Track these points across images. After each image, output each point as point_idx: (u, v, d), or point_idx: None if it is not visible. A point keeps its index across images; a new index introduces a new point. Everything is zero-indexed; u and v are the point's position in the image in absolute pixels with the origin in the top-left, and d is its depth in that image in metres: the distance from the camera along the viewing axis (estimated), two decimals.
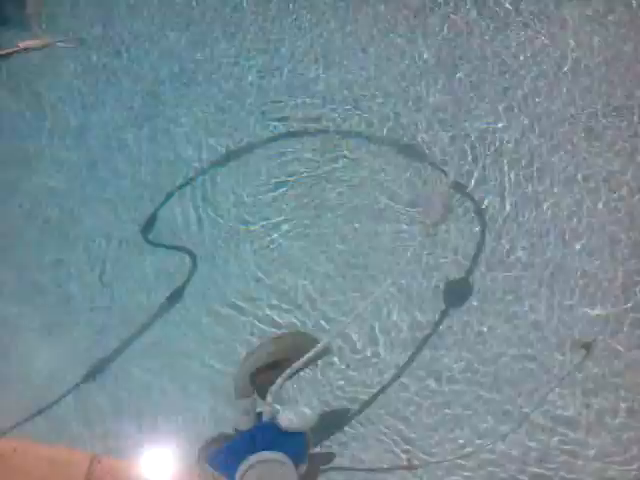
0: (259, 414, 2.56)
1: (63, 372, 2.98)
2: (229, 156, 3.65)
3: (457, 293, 3.26)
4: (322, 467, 2.92)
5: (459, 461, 2.88)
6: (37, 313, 3.24)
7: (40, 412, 2.83)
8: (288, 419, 2.64)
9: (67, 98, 3.88)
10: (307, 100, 3.70)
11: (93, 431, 2.78)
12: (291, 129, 3.65)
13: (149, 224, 3.61)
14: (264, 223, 3.44)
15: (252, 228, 3.43)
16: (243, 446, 2.48)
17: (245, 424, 2.58)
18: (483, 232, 3.28)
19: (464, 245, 3.24)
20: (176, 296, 3.33)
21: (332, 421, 3.13)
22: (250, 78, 3.74)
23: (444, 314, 3.23)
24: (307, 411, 2.73)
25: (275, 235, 3.41)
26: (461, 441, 2.93)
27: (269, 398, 2.56)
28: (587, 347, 2.96)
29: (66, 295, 3.27)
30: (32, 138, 3.78)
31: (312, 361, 2.74)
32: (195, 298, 3.26)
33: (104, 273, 3.36)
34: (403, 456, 2.87)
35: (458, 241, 3.25)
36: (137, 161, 3.73)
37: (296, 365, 2.60)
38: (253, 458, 2.34)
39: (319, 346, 2.73)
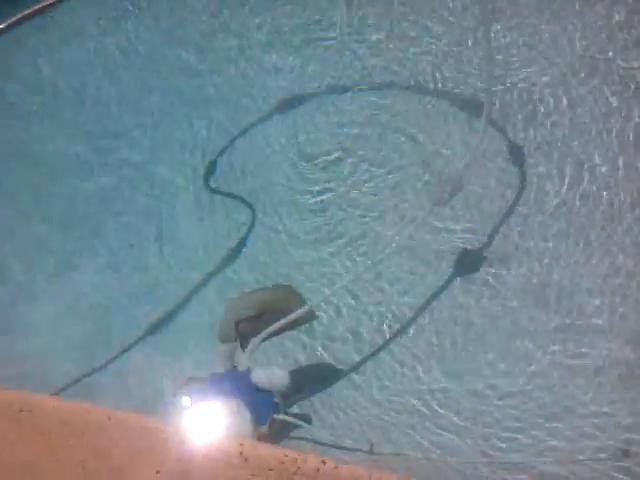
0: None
1: None
2: None
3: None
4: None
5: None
6: None
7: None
8: (260, 376, 2.64)
9: None
10: None
11: None
12: None
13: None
14: None
15: None
16: (213, 386, 2.70)
17: (222, 367, 2.67)
18: None
19: None
20: None
21: (305, 387, 3.08)
22: None
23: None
24: (279, 373, 2.73)
25: None
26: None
27: (248, 349, 2.56)
28: None
29: None
30: None
31: (297, 323, 2.70)
32: None
33: None
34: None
35: None
36: None
37: (279, 324, 2.58)
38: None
39: (305, 308, 2.68)
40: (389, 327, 3.18)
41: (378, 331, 3.21)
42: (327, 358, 3.15)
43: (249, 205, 3.71)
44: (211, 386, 2.75)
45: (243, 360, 2.77)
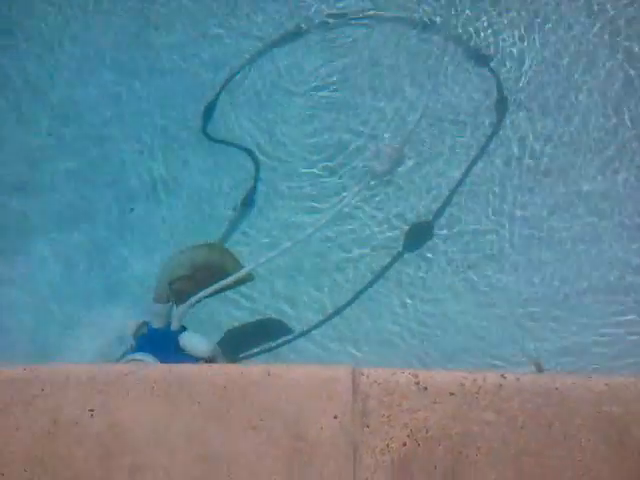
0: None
1: None
2: None
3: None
4: None
5: None
6: None
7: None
8: (187, 341, 2.76)
9: None
10: None
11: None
12: None
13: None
14: None
15: None
16: (143, 342, 2.87)
17: (156, 324, 2.71)
18: None
19: None
20: None
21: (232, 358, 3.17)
22: None
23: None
24: (205, 343, 2.89)
25: None
26: None
27: (178, 311, 2.65)
28: None
29: None
30: None
31: (232, 286, 2.80)
32: None
33: None
34: None
35: None
36: None
37: (213, 288, 2.66)
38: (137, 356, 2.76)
39: (241, 271, 2.77)
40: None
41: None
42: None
43: None
44: (141, 340, 2.91)
45: (175, 320, 2.86)
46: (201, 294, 2.81)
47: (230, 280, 2.82)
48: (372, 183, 3.13)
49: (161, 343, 2.88)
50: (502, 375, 2.43)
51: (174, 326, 2.86)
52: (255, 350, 3.13)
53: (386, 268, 3.26)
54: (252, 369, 2.55)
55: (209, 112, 3.83)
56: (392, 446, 2.43)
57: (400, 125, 3.42)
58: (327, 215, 3.15)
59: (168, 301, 2.88)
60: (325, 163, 3.56)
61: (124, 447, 2.51)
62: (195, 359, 2.82)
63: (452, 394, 2.42)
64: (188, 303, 2.82)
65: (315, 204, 3.44)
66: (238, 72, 3.85)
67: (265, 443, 2.47)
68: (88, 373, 2.58)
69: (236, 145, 3.72)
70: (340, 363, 2.81)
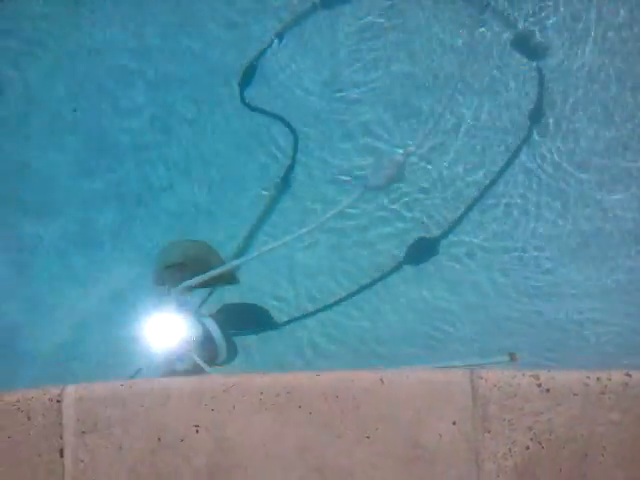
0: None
1: None
2: None
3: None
4: None
5: None
6: None
7: None
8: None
9: None
10: None
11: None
12: None
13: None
14: None
15: None
16: None
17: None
18: None
19: None
20: None
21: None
22: None
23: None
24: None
25: None
26: None
27: (173, 294, 2.99)
28: None
29: None
30: None
31: (219, 280, 3.04)
32: None
33: None
34: None
35: None
36: None
37: (200, 278, 2.94)
38: None
39: (228, 267, 3.01)
40: None
41: None
42: None
43: None
44: None
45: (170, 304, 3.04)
46: (191, 282, 2.97)
47: (217, 272, 3.01)
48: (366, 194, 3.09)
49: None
50: (627, 373, 2.36)
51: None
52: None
53: None
54: (363, 375, 2.45)
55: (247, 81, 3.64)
56: (515, 450, 2.37)
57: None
58: (318, 220, 3.18)
59: (164, 284, 3.02)
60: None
61: (234, 463, 2.43)
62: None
63: (575, 395, 2.35)
64: (179, 288, 2.97)
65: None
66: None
67: (382, 453, 2.40)
68: (190, 387, 2.48)
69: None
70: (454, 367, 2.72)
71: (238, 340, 3.17)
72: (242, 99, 3.61)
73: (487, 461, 2.37)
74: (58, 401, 2.50)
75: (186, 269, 3.00)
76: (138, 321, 3.06)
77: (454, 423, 2.39)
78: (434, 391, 2.41)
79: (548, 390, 2.37)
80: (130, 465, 2.44)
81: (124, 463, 2.45)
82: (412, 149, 3.07)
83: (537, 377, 2.40)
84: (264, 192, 3.41)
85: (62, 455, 2.47)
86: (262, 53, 3.63)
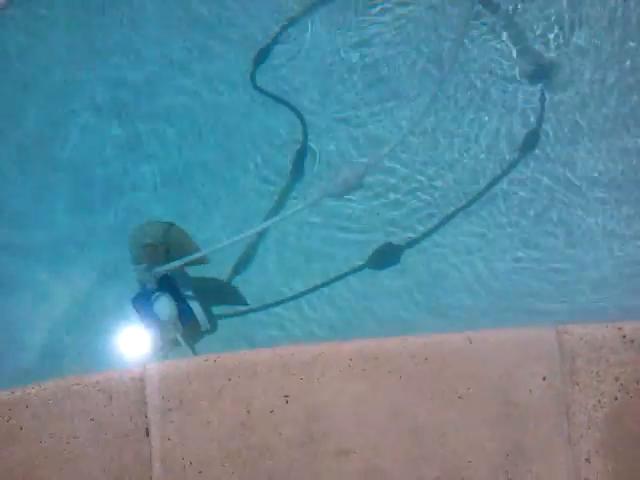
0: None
1: None
2: None
3: None
4: None
5: None
6: None
7: None
8: (157, 302, 3.01)
9: None
10: None
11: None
12: None
13: None
14: None
15: None
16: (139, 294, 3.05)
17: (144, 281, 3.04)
18: None
19: None
20: None
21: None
22: None
23: None
24: (168, 311, 3.01)
25: None
26: None
27: (148, 275, 2.97)
28: None
29: None
30: None
31: (193, 263, 3.04)
32: None
33: None
34: None
35: None
36: None
37: (178, 262, 2.92)
38: None
39: (201, 252, 2.98)
40: None
41: None
42: None
43: None
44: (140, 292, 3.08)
45: (150, 284, 3.02)
46: (167, 267, 2.95)
47: (192, 258, 2.97)
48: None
49: (144, 298, 3.02)
50: None
51: (150, 287, 3.01)
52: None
53: None
54: (451, 337, 2.47)
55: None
56: (604, 401, 2.43)
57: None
58: (282, 215, 3.17)
59: (142, 263, 2.99)
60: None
61: (326, 431, 2.42)
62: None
63: None
64: (154, 272, 2.97)
65: None
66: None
67: (475, 411, 2.42)
68: (277, 358, 2.45)
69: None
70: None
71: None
72: None
73: (577, 413, 2.42)
74: (140, 380, 2.45)
75: (160, 249, 2.98)
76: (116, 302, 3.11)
77: (544, 378, 2.43)
78: (522, 348, 2.45)
79: (632, 341, 2.43)
80: (219, 439, 2.41)
81: (214, 438, 2.42)
82: (374, 160, 3.06)
83: (620, 328, 2.45)
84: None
85: (148, 434, 2.43)
86: None
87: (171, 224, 3.04)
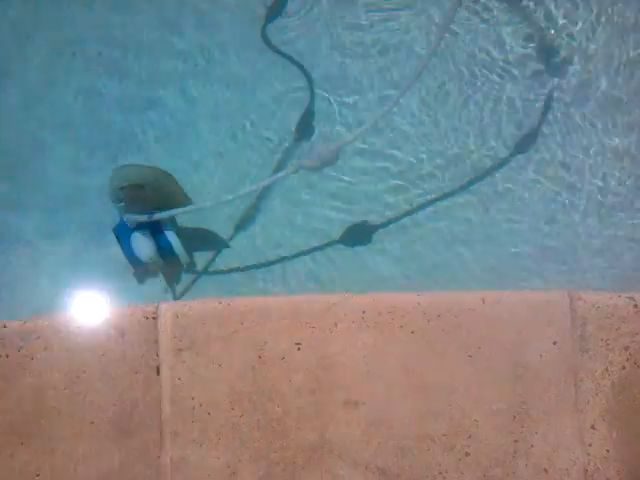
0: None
1: None
2: None
3: None
4: None
5: None
6: None
7: None
8: (134, 240, 3.05)
9: None
10: None
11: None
12: None
13: None
14: None
15: None
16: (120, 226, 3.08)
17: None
18: None
19: None
20: None
21: None
22: None
23: None
24: (146, 251, 3.06)
25: None
26: None
27: (130, 217, 3.01)
28: None
29: None
30: None
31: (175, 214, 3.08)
32: None
33: None
34: None
35: None
36: None
37: (166, 213, 2.97)
38: None
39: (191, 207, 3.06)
40: None
41: None
42: None
43: None
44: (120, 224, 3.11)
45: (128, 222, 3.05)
46: (140, 217, 3.00)
47: (180, 211, 3.04)
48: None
49: (125, 233, 3.06)
50: None
51: (130, 225, 3.04)
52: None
53: None
54: (464, 296, 2.50)
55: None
56: (612, 370, 2.45)
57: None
58: (251, 187, 3.15)
59: (120, 201, 3.00)
60: None
61: (336, 381, 2.44)
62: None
63: None
64: (127, 217, 3.02)
65: None
66: None
67: (484, 371, 2.45)
68: (291, 305, 2.47)
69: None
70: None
71: None
72: None
73: (585, 380, 2.45)
74: (153, 318, 2.47)
75: (144, 192, 2.98)
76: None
77: (554, 343, 2.45)
78: (535, 311, 2.47)
79: None
80: (230, 382, 2.43)
81: (223, 380, 2.43)
82: (349, 139, 3.08)
83: (632, 298, 2.48)
84: None
85: (159, 373, 2.44)
86: None
87: (157, 169, 3.04)
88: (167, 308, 2.47)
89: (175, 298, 3.10)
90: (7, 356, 2.42)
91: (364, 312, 2.46)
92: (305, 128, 3.34)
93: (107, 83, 3.39)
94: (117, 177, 2.98)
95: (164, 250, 3.05)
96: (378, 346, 2.45)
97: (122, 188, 2.94)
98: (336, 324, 2.46)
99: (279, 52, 3.43)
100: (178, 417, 2.42)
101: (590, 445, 2.43)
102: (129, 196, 2.95)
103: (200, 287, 3.15)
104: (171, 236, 3.05)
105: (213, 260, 3.18)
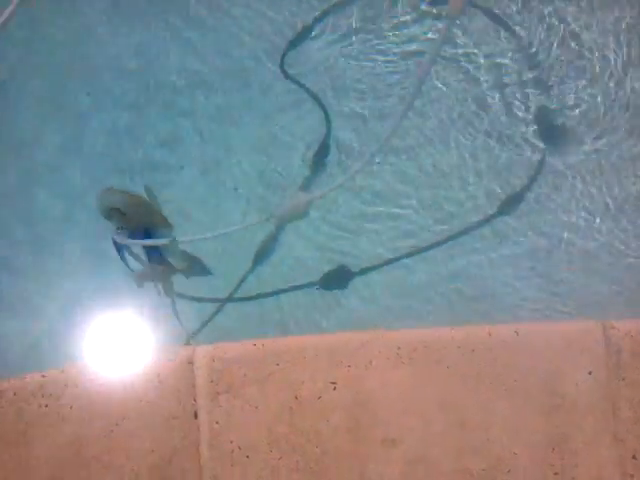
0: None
1: None
2: None
3: None
4: None
5: None
6: None
7: None
8: (130, 259, 3.15)
9: None
10: None
11: None
12: None
13: None
14: None
15: None
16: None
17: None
18: None
19: None
20: None
21: None
22: None
23: None
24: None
25: None
26: None
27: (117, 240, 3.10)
28: None
29: None
30: None
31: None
32: None
33: None
34: None
35: None
36: None
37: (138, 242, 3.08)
38: None
39: (165, 240, 3.08)
40: None
41: None
42: None
43: None
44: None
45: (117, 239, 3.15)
46: (128, 241, 3.11)
47: (156, 243, 3.11)
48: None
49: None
50: None
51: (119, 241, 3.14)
52: None
53: None
54: (498, 329, 2.51)
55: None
56: None
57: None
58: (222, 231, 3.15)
59: (108, 220, 3.14)
60: None
61: (373, 419, 2.45)
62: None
63: None
64: (114, 237, 3.11)
65: None
66: None
67: (521, 404, 2.45)
68: (325, 344, 2.50)
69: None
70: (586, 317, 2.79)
71: None
72: None
73: (623, 409, 2.45)
74: (190, 362, 2.49)
75: (126, 216, 3.09)
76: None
77: (590, 373, 2.46)
78: (568, 341, 2.48)
79: None
80: (267, 425, 2.44)
81: (261, 423, 2.45)
82: (319, 194, 3.12)
83: None
84: None
85: (196, 417, 2.46)
86: None
87: (138, 197, 3.14)
88: (203, 352, 2.50)
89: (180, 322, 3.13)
90: (46, 406, 2.45)
91: (399, 348, 2.48)
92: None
93: None
94: (103, 200, 3.11)
95: (157, 258, 3.11)
96: (414, 382, 2.46)
97: (107, 212, 3.09)
98: (371, 361, 2.48)
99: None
100: (217, 461, 2.43)
101: (632, 476, 2.42)
102: (114, 218, 3.08)
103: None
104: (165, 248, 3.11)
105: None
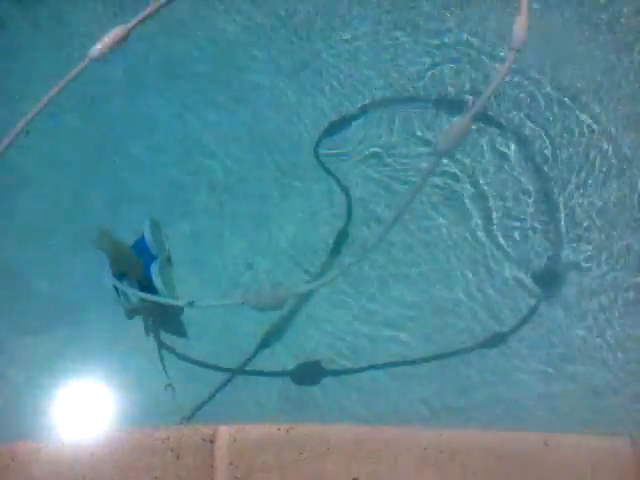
0: None
1: None
2: None
3: None
4: None
5: None
6: None
7: None
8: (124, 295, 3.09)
9: None
10: None
11: None
12: None
13: None
14: None
15: None
16: None
17: None
18: None
19: None
20: None
21: None
22: None
23: None
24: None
25: None
26: None
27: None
28: None
29: None
30: None
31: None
32: None
33: None
34: None
35: None
36: None
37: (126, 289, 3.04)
38: None
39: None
40: None
41: None
42: None
43: None
44: None
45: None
46: (117, 284, 3.08)
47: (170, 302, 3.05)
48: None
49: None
50: None
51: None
52: None
53: None
54: (527, 437, 2.47)
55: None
56: None
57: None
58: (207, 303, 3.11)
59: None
60: None
61: None
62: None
63: None
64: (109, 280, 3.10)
65: None
66: None
67: None
68: (351, 436, 2.44)
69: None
70: None
71: None
72: None
73: None
74: (211, 441, 2.42)
75: (112, 262, 3.08)
76: None
77: None
78: (597, 456, 2.45)
79: None
80: None
81: None
82: (300, 290, 3.10)
83: None
84: None
85: None
86: None
87: (122, 244, 3.12)
88: (225, 431, 2.44)
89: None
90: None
91: (425, 449, 2.43)
92: None
93: None
94: (97, 241, 3.06)
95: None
96: None
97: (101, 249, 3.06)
98: (397, 459, 2.42)
99: None
100: None
101: None
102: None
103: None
104: (158, 283, 3.08)
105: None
